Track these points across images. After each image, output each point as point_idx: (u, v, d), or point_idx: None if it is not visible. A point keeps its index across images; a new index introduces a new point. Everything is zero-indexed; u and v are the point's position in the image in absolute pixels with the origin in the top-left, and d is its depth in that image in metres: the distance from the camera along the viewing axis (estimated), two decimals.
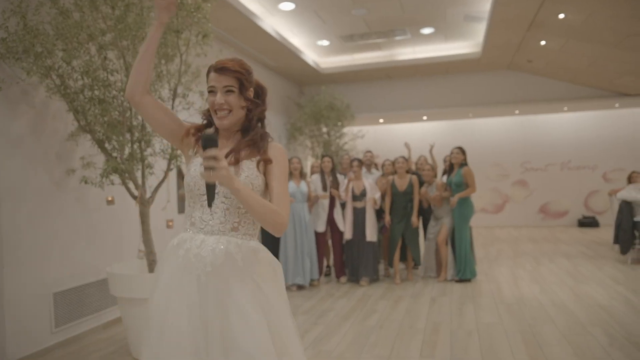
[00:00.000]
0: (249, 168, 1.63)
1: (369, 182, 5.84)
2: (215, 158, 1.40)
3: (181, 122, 1.72)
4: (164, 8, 1.63)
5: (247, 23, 6.30)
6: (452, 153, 5.85)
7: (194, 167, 1.63)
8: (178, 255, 1.60)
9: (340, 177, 6.04)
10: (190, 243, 1.60)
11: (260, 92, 1.78)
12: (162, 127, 1.70)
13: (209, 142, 1.44)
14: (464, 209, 5.75)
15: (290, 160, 5.96)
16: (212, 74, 1.64)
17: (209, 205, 1.51)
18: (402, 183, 5.78)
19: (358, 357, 3.54)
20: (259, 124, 1.74)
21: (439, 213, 5.95)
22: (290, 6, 6.35)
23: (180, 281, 1.57)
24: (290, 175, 6.03)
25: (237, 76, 1.64)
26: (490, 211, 11.30)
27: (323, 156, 6.02)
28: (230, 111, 1.64)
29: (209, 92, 1.65)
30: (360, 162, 5.86)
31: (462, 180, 5.69)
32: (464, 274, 5.70)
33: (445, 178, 6.09)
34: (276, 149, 1.71)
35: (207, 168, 1.41)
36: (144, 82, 1.64)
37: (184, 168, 1.70)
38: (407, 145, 6.78)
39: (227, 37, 6.77)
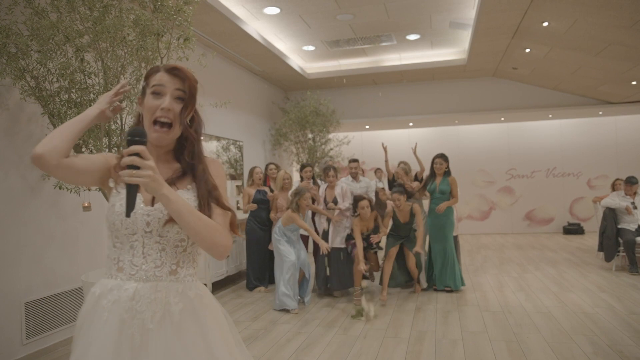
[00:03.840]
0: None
1: (342, 189, 5.70)
2: (140, 155, 1.19)
3: (105, 158, 1.41)
4: (108, 102, 1.45)
5: (231, 27, 6.24)
6: (435, 163, 5.70)
7: (120, 203, 1.34)
8: (103, 308, 1.30)
9: (320, 182, 6.03)
10: (118, 293, 1.31)
11: (195, 118, 1.48)
12: (91, 175, 1.37)
13: (135, 136, 1.22)
14: (450, 218, 5.70)
15: (281, 176, 5.91)
16: (162, 74, 1.38)
17: (128, 215, 1.23)
18: (404, 215, 5.39)
19: None
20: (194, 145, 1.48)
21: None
22: (275, 10, 6.30)
23: (110, 343, 1.27)
24: (282, 189, 5.96)
25: (190, 86, 1.40)
26: (476, 218, 11.31)
27: (304, 166, 5.93)
28: (171, 125, 1.38)
29: (152, 93, 1.38)
30: (335, 171, 5.77)
31: (449, 188, 5.64)
32: (456, 284, 5.60)
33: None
34: (214, 165, 1.48)
35: (129, 167, 1.18)
36: (67, 150, 1.32)
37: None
38: (384, 148, 6.58)
39: (210, 41, 6.69)
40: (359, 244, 5.20)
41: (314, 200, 5.77)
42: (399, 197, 5.24)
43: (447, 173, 5.71)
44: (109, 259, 1.38)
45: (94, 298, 1.33)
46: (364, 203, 5.16)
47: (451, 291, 5.61)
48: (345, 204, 5.57)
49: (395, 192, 5.28)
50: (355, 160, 6.33)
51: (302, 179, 5.89)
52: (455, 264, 5.63)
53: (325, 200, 5.70)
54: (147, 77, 1.41)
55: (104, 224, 1.40)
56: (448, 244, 5.64)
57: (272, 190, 6.19)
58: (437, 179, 5.72)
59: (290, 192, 5.87)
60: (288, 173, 6.13)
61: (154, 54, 3.76)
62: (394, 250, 5.37)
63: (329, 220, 5.66)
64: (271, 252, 5.73)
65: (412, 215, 5.36)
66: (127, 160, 1.19)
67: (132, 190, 1.22)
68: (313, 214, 5.85)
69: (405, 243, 5.42)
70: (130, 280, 1.32)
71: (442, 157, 5.73)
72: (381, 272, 5.51)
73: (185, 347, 1.30)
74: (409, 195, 5.44)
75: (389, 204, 5.50)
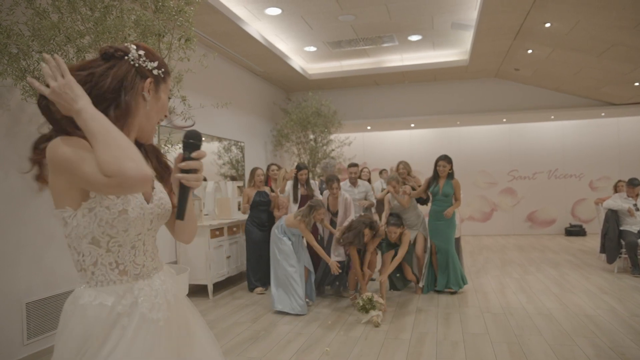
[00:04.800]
0: (161, 190, 1.39)
1: (345, 201, 5.69)
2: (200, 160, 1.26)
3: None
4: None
5: (233, 28, 6.24)
6: (438, 165, 5.59)
7: (132, 207, 1.26)
8: (119, 314, 1.23)
9: (313, 183, 6.00)
10: (133, 295, 1.27)
11: None
12: None
13: (192, 139, 1.25)
14: (452, 220, 5.65)
15: (282, 175, 5.91)
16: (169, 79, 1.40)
17: (183, 217, 1.26)
18: (394, 237, 5.29)
19: None
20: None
21: (411, 223, 5.70)
22: (276, 11, 6.29)
23: (145, 342, 1.25)
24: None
25: None
26: (478, 219, 11.29)
27: (300, 168, 5.87)
28: None
29: (166, 95, 1.39)
30: (339, 182, 5.71)
31: (452, 191, 5.57)
32: (458, 284, 5.53)
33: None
34: None
35: (189, 171, 1.23)
36: None
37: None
38: (385, 175, 6.25)
39: (212, 41, 6.69)
40: (357, 270, 5.14)
41: None
42: (396, 230, 5.16)
43: (451, 175, 5.63)
44: (102, 265, 1.25)
45: (106, 309, 1.22)
46: (367, 231, 5.03)
47: (454, 293, 5.58)
48: (348, 220, 5.51)
49: (392, 225, 5.17)
50: (355, 165, 6.28)
51: (296, 180, 5.84)
52: (457, 265, 5.60)
53: (328, 209, 5.70)
54: (165, 73, 1.36)
55: (91, 231, 1.23)
56: (450, 246, 5.60)
57: (272, 191, 6.21)
58: (440, 181, 5.63)
59: (285, 187, 5.89)
60: (290, 173, 6.14)
61: None
62: (389, 256, 5.30)
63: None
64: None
65: (400, 239, 5.26)
66: (195, 164, 1.23)
67: (187, 193, 1.26)
68: None
69: (400, 250, 5.26)
70: (138, 280, 1.29)
71: (446, 159, 5.61)
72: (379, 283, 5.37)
73: (192, 323, 1.40)
74: (401, 223, 5.26)
75: (382, 228, 5.33)
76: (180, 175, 1.23)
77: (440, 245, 5.64)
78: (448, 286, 5.57)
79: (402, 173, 6.32)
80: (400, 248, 5.23)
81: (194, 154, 1.23)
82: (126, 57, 1.28)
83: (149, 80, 1.31)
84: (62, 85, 1.14)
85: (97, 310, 1.21)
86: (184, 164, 1.23)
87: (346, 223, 5.39)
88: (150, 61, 1.31)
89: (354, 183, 6.19)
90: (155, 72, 1.32)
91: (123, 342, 1.20)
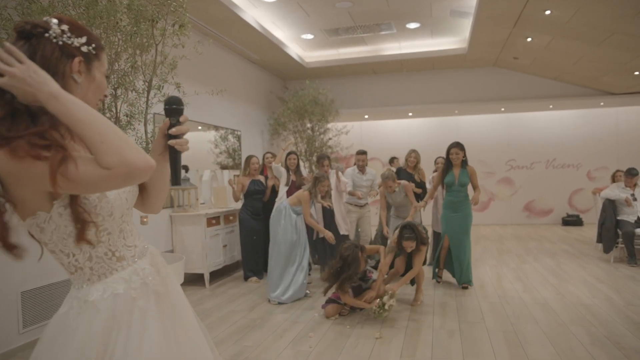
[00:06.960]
0: None
1: (336, 178, 5.81)
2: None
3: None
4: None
5: (228, 14, 6.15)
6: (451, 153, 5.31)
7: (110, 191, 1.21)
8: (133, 299, 1.21)
9: (304, 170, 6.03)
10: (139, 276, 1.25)
11: None
12: None
13: (174, 104, 1.26)
14: (470, 211, 5.39)
15: (289, 157, 5.89)
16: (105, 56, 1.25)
17: (179, 182, 1.27)
18: (410, 250, 4.74)
19: (337, 357, 3.44)
20: None
21: (407, 215, 5.55)
22: None
23: (162, 322, 1.26)
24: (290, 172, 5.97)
25: None
26: (475, 209, 11.20)
27: (289, 153, 5.87)
28: None
29: (104, 74, 1.24)
30: (330, 160, 5.74)
31: (468, 180, 5.31)
32: (469, 279, 5.37)
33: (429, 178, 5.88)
34: None
35: (178, 136, 1.24)
36: None
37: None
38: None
39: (207, 28, 6.61)
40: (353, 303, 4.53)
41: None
42: (412, 244, 4.54)
43: (465, 163, 5.35)
44: (97, 258, 1.21)
45: (120, 298, 1.20)
46: (361, 257, 4.37)
47: (466, 288, 5.33)
48: (344, 185, 5.80)
49: (408, 240, 4.51)
50: (363, 153, 6.27)
51: (286, 166, 5.84)
52: (470, 259, 5.43)
53: None
54: (97, 49, 1.20)
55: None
56: (468, 238, 5.41)
57: (267, 179, 6.22)
58: (455, 170, 5.34)
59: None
60: (287, 144, 6.21)
61: (149, 40, 3.70)
62: (400, 260, 4.90)
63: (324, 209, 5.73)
64: (265, 242, 5.69)
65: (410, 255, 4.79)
66: (183, 129, 1.25)
67: (179, 158, 1.28)
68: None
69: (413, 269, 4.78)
70: (137, 261, 1.27)
71: (459, 146, 5.31)
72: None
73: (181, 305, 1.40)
74: (415, 236, 4.61)
75: (393, 241, 4.79)
76: (173, 141, 1.24)
77: (457, 237, 5.36)
78: (465, 281, 5.34)
79: (412, 162, 6.28)
80: (415, 266, 4.67)
81: (181, 119, 1.26)
82: (47, 35, 1.11)
83: (77, 59, 1.15)
84: (24, 69, 1.02)
85: (111, 302, 1.18)
86: (174, 130, 1.24)
87: (346, 191, 5.69)
88: (77, 37, 1.15)
89: (362, 170, 6.21)
90: (84, 49, 1.16)
91: (151, 324, 1.20)
